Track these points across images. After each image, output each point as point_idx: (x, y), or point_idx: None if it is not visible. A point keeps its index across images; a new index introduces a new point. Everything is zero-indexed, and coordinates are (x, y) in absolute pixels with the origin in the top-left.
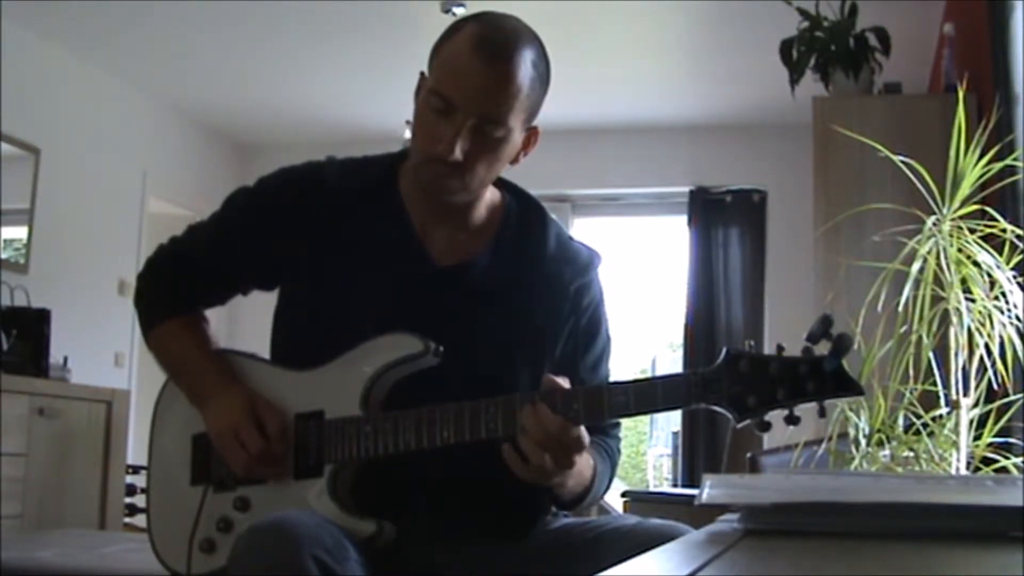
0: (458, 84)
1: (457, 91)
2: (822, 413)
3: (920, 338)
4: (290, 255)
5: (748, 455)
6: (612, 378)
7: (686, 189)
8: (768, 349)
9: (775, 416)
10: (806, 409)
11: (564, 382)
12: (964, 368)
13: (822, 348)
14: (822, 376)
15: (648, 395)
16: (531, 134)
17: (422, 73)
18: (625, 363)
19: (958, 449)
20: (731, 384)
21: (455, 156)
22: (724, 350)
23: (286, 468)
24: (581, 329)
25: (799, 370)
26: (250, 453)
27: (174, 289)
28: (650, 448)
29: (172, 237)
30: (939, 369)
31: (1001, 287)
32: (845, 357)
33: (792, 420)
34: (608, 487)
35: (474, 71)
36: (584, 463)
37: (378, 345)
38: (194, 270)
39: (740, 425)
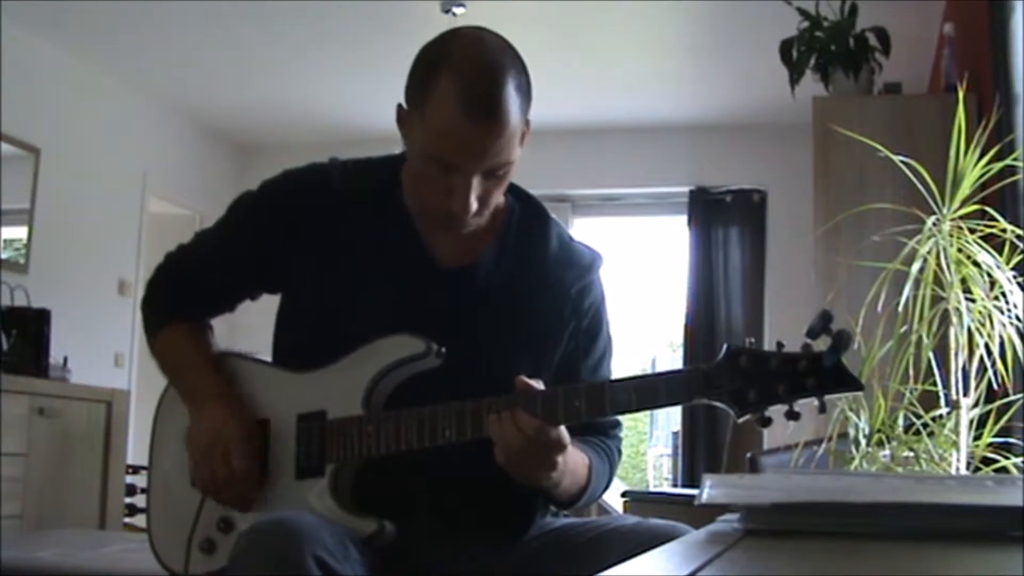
0: (456, 150)
1: (456, 156)
2: (822, 408)
3: (920, 338)
4: (294, 257)
5: (748, 455)
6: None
7: (686, 189)
8: (768, 348)
9: (775, 413)
10: (806, 406)
11: (537, 384)
12: (964, 368)
13: (822, 344)
14: (822, 371)
15: (650, 390)
16: (527, 131)
17: (400, 106)
18: (625, 363)
19: (958, 449)
20: (732, 379)
21: (472, 209)
22: (725, 346)
23: (246, 503)
24: (582, 331)
25: (799, 365)
26: (215, 479)
27: (180, 295)
28: (650, 448)
29: (180, 245)
30: (939, 369)
31: (1001, 287)
32: (844, 353)
33: (792, 415)
34: (607, 486)
35: (467, 135)
36: (577, 461)
37: (380, 346)
38: (201, 276)
39: (741, 420)
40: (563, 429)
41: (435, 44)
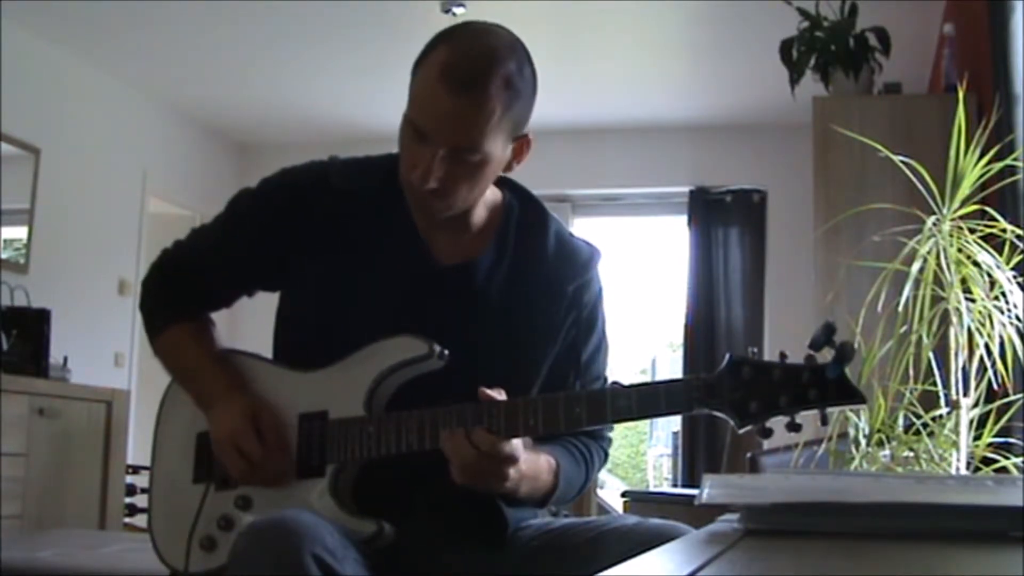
0: (426, 116)
1: (426, 123)
2: (824, 421)
3: (920, 338)
4: (293, 256)
5: (748, 455)
6: (608, 375)
7: (686, 189)
8: (768, 348)
9: (776, 424)
10: (807, 414)
11: (499, 395)
12: (964, 368)
13: (825, 355)
14: (824, 384)
15: (651, 399)
16: (522, 143)
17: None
18: (625, 363)
19: (958, 449)
20: (733, 390)
21: (430, 185)
22: (727, 356)
23: (285, 476)
24: (580, 326)
25: (802, 377)
26: (248, 461)
27: (179, 293)
28: (650, 448)
29: (176, 241)
30: (939, 369)
31: (1001, 287)
32: (848, 365)
33: (794, 427)
34: (583, 487)
35: (440, 104)
36: (540, 467)
37: (383, 347)
38: (198, 273)
39: (742, 431)
40: (517, 443)
41: (448, 27)
